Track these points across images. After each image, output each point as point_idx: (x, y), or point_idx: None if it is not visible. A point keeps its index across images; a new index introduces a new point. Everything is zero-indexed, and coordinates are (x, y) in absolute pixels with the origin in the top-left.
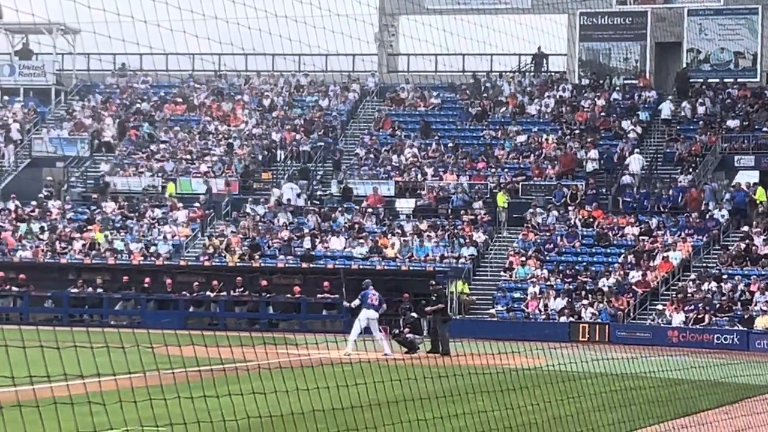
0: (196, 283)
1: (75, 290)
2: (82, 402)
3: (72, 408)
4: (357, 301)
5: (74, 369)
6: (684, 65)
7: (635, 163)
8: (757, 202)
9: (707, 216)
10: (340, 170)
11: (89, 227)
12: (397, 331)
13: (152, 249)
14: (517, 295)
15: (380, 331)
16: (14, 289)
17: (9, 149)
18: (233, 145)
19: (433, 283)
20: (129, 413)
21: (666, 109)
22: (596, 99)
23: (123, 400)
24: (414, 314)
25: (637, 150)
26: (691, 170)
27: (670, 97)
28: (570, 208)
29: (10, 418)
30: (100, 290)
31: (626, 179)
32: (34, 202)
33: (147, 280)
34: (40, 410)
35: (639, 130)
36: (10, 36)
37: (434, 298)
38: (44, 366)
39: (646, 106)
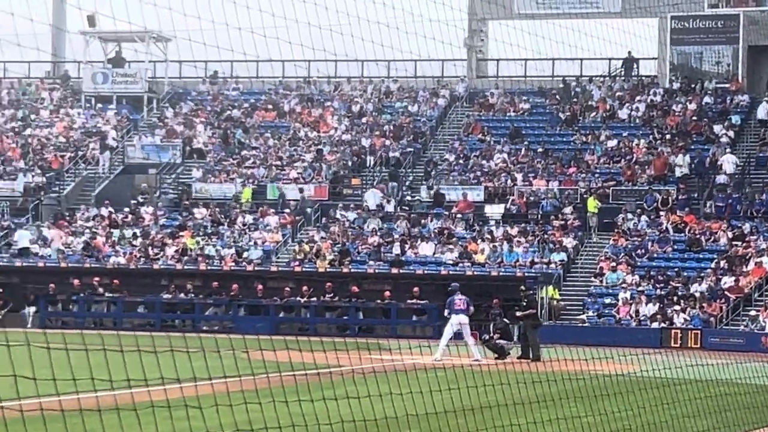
0: (287, 289)
1: (167, 296)
2: (178, 406)
3: (169, 411)
4: (446, 311)
5: (171, 373)
6: None
7: (728, 164)
8: None
9: None
10: (430, 177)
11: (181, 233)
12: (487, 337)
13: (243, 255)
14: (607, 300)
15: (474, 340)
16: (108, 294)
17: (105, 156)
18: (323, 151)
19: (523, 288)
20: (225, 417)
21: (762, 110)
22: (688, 103)
23: (219, 404)
24: (504, 320)
25: (729, 151)
26: None
27: (766, 99)
28: (661, 213)
29: (108, 422)
30: (191, 296)
31: (721, 178)
32: (126, 209)
33: (236, 286)
34: (137, 413)
35: (731, 134)
36: (104, 44)
37: (524, 303)
38: (142, 370)
39: (739, 110)
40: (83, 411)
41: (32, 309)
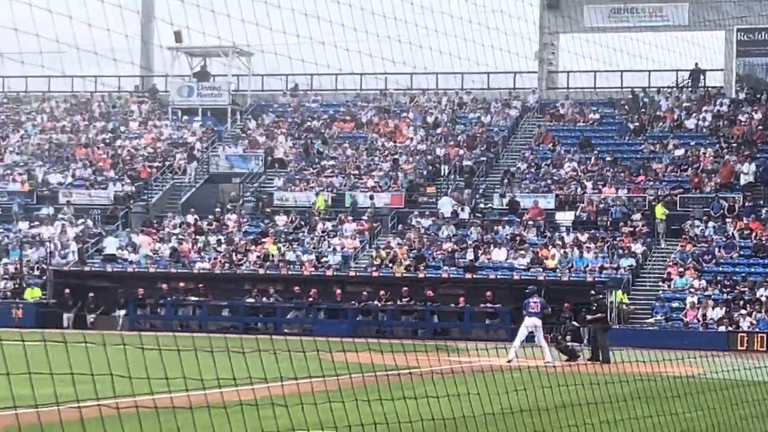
0: (364, 293)
1: (250, 300)
2: (266, 405)
3: (257, 410)
4: (524, 312)
5: (258, 373)
6: None
7: None
8: None
9: None
10: (503, 185)
11: (263, 240)
12: (558, 339)
13: (322, 260)
14: (675, 304)
15: (547, 341)
16: (193, 298)
17: (191, 166)
18: (399, 161)
19: (593, 292)
20: (310, 416)
21: None
22: (753, 113)
23: (304, 402)
24: (574, 323)
25: None
26: None
27: None
28: (728, 219)
29: (200, 420)
30: (273, 299)
31: None
32: (211, 216)
33: (316, 290)
34: (227, 412)
35: None
36: (190, 59)
37: (594, 307)
38: (231, 370)
39: None
40: (175, 409)
41: (122, 312)
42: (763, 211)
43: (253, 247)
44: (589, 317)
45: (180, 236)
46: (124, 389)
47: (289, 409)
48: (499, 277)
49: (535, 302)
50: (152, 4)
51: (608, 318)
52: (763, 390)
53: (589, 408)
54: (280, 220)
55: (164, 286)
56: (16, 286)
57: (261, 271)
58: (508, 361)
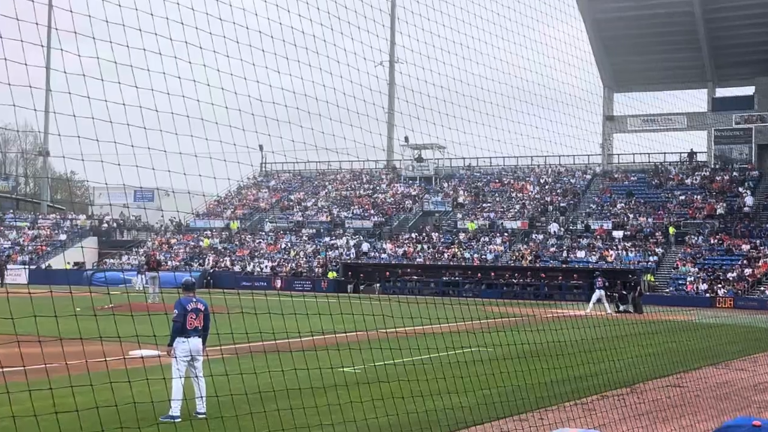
0: (507, 274)
1: (445, 278)
2: (449, 333)
3: (459, 336)
4: (596, 291)
5: (449, 317)
6: None
7: (749, 200)
8: None
9: None
10: (583, 216)
11: (452, 246)
12: (617, 302)
13: (483, 257)
14: (680, 282)
15: (606, 301)
16: (415, 277)
17: (413, 207)
18: (525, 204)
19: (632, 276)
20: (478, 340)
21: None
22: (724, 176)
23: (474, 332)
24: (624, 292)
25: (749, 197)
26: None
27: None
28: (711, 235)
29: (427, 343)
30: (457, 278)
31: (746, 209)
32: (424, 233)
33: (479, 274)
34: (444, 337)
35: (751, 199)
36: (412, 151)
37: (632, 284)
38: (436, 313)
39: (752, 179)
40: (417, 335)
41: (378, 285)
42: (732, 229)
43: (446, 250)
44: (635, 294)
45: (408, 244)
46: (378, 324)
47: (470, 336)
48: (580, 266)
49: (599, 280)
50: (393, 122)
51: (642, 289)
52: (725, 330)
53: (630, 339)
54: (461, 234)
55: (399, 271)
56: (324, 270)
57: (451, 263)
58: (586, 312)
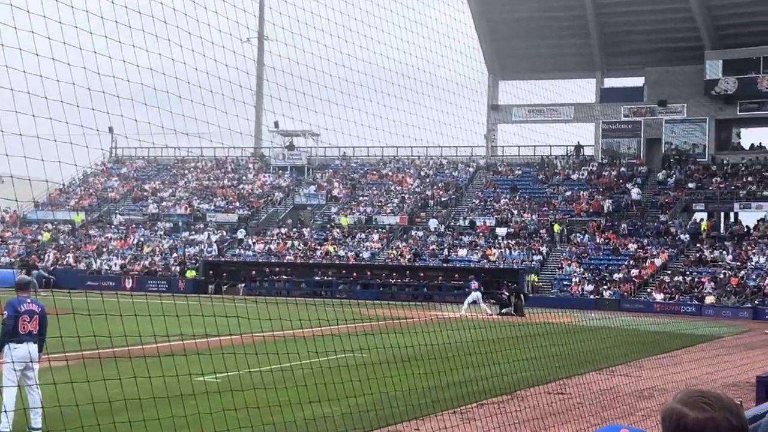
0: (384, 274)
1: (317, 278)
2: (322, 336)
3: (323, 340)
4: (467, 290)
5: (322, 318)
6: (663, 152)
7: (636, 196)
8: (702, 230)
9: (676, 238)
10: (466, 212)
11: (325, 243)
12: (501, 305)
13: (359, 255)
14: (565, 282)
15: (484, 302)
16: (284, 277)
17: (283, 200)
18: (404, 198)
19: (514, 284)
20: (354, 344)
21: (659, 176)
22: (611, 171)
23: (350, 335)
24: (506, 294)
25: (636, 193)
26: (667, 212)
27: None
28: (597, 233)
29: (289, 347)
30: (330, 278)
31: (635, 196)
32: (295, 229)
33: (354, 273)
34: (305, 341)
35: (640, 191)
36: (282, 138)
37: (515, 287)
38: (307, 316)
39: (640, 175)
40: (276, 339)
41: (242, 285)
42: (619, 228)
43: (319, 247)
44: (514, 295)
45: (277, 240)
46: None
47: (342, 339)
48: (461, 265)
49: (474, 283)
50: (262, 105)
51: (523, 292)
52: (609, 333)
53: (512, 341)
54: (335, 231)
55: (267, 269)
56: (181, 268)
57: (323, 261)
58: (460, 315)
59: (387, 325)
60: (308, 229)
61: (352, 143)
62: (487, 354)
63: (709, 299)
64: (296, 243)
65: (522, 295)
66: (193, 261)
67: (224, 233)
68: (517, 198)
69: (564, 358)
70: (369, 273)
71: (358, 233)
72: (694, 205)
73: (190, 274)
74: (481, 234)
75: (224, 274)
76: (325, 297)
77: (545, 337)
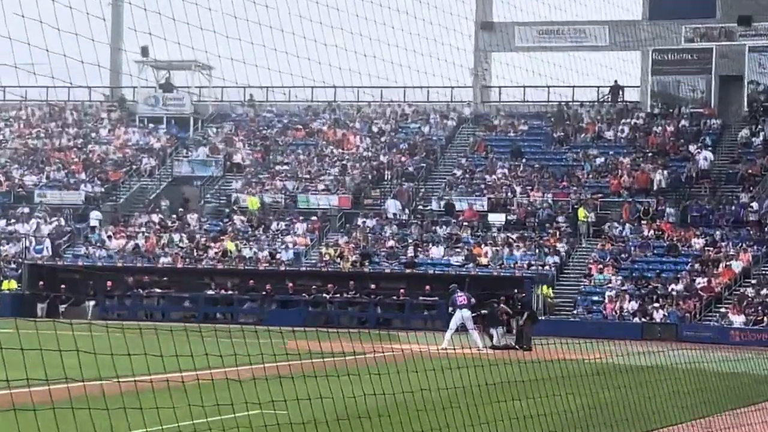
0: (314, 287)
1: (210, 292)
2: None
3: (213, 391)
4: (450, 306)
5: (215, 358)
6: (746, 97)
7: (705, 163)
8: None
9: (766, 229)
10: (442, 189)
11: (222, 237)
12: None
13: (276, 256)
14: (595, 298)
15: (474, 328)
16: (157, 290)
17: (155, 169)
18: (346, 166)
19: (523, 294)
20: (262, 394)
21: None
22: (666, 126)
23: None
24: (507, 309)
25: (705, 155)
26: (751, 189)
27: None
28: (643, 222)
29: (161, 402)
30: (230, 292)
31: (702, 164)
32: (174, 215)
33: (268, 284)
34: (186, 392)
35: (711, 156)
36: (156, 72)
37: (519, 306)
38: (191, 355)
39: (711, 132)
40: (139, 392)
41: (92, 303)
42: (678, 214)
43: (212, 244)
44: (522, 320)
45: (146, 233)
46: (91, 373)
47: (244, 387)
48: (436, 272)
49: (461, 296)
50: (121, 21)
51: (535, 311)
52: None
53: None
54: (238, 219)
55: (131, 279)
56: None
57: (220, 266)
58: (443, 349)
59: (317, 365)
60: (195, 215)
61: (263, 81)
62: (475, 408)
63: None
64: (177, 237)
65: (529, 317)
66: (13, 265)
67: (63, 222)
68: (522, 168)
69: (589, 416)
70: (291, 285)
71: (275, 222)
72: None
73: (8, 285)
74: (465, 224)
75: (63, 286)
76: (223, 322)
77: (562, 381)
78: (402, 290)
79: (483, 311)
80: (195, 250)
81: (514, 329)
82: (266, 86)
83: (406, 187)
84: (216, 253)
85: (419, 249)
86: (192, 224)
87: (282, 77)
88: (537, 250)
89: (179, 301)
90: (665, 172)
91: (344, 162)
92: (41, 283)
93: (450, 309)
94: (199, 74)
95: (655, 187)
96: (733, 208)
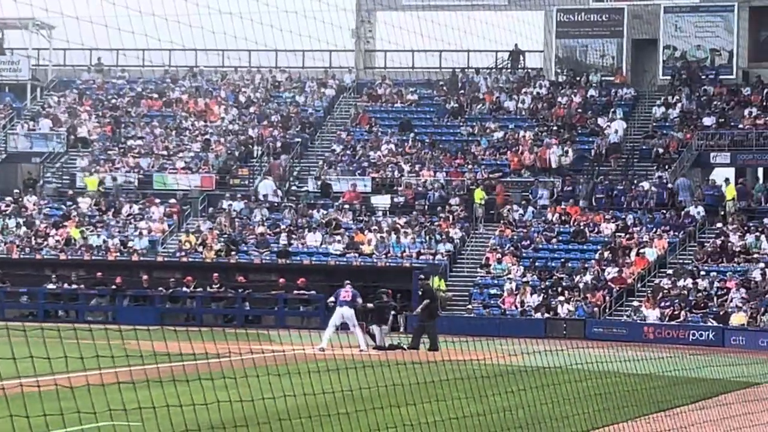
0: (172, 279)
1: (51, 286)
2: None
3: (58, 401)
4: (332, 299)
5: (60, 363)
6: (660, 63)
7: (614, 134)
8: (726, 199)
9: (683, 213)
10: (319, 167)
11: (65, 223)
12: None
13: (128, 245)
14: (493, 291)
15: (356, 326)
16: None
17: None
18: (210, 141)
19: (422, 277)
20: (113, 404)
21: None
22: (573, 96)
23: (108, 392)
24: (390, 303)
25: (615, 127)
26: (667, 167)
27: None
28: (547, 205)
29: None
30: (75, 286)
31: (613, 138)
32: (9, 198)
33: (119, 277)
34: (25, 402)
35: (619, 129)
36: None
37: (420, 293)
38: (30, 359)
39: (623, 102)
40: None
41: None
42: (585, 195)
43: (53, 231)
44: (420, 307)
45: None
46: None
47: (94, 396)
48: (313, 262)
49: (347, 291)
50: None
51: (438, 304)
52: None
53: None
54: (84, 202)
55: None
56: None
57: (62, 256)
58: (321, 350)
59: (176, 369)
60: (34, 198)
61: (113, 43)
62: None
63: (738, 318)
64: (12, 223)
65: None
66: None
67: None
68: (410, 143)
69: (488, 424)
70: (146, 277)
71: (126, 205)
72: (713, 155)
73: None
74: (346, 207)
75: None
76: (66, 320)
77: (455, 385)
78: (279, 282)
79: (368, 305)
80: (33, 238)
81: (400, 326)
82: (116, 48)
83: (278, 164)
84: (58, 241)
85: (293, 236)
86: (30, 208)
87: (135, 38)
88: (427, 237)
89: (15, 296)
90: (570, 148)
91: (207, 136)
92: None
93: (330, 302)
94: (38, 35)
95: (560, 165)
96: (647, 188)
